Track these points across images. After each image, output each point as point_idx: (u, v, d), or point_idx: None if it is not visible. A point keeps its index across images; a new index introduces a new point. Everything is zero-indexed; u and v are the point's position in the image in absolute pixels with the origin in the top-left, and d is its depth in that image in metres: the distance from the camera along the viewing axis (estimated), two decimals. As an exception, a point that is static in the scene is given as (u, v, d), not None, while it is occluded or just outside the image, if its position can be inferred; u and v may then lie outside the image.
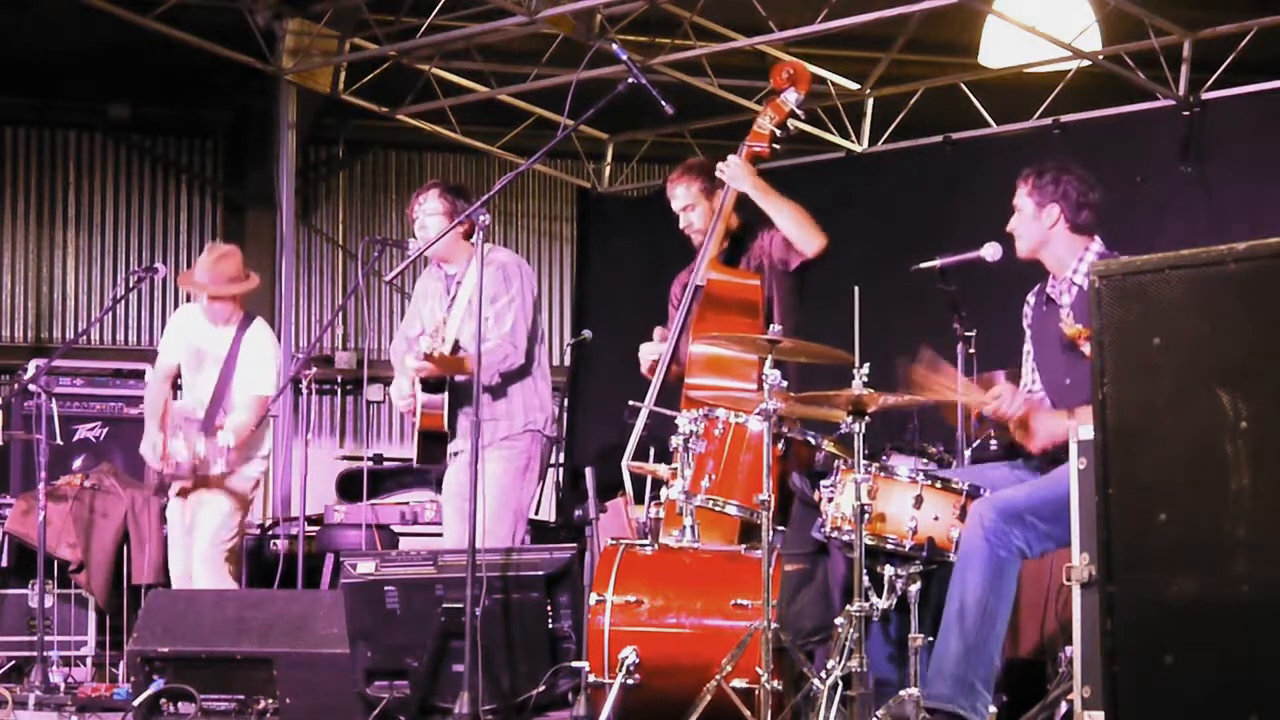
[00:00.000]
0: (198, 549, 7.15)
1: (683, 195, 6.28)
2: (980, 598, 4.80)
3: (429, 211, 6.57)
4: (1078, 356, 4.98)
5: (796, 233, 6.02)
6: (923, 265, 5.63)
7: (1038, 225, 5.24)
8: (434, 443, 6.51)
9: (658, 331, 6.31)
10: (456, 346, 6.33)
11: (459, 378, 6.41)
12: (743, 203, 6.16)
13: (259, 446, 7.35)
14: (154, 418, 7.32)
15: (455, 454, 6.50)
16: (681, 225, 6.30)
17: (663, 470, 5.66)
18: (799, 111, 6.23)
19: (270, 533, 8.77)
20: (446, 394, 6.42)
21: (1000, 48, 10.42)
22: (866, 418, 4.95)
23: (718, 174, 6.16)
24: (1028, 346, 5.40)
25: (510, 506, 6.42)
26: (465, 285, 6.42)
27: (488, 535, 5.84)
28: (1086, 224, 5.24)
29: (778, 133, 6.18)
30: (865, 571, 4.89)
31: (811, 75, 6.41)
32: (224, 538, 7.19)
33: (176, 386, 7.57)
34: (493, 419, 6.37)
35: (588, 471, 6.08)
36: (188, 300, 7.52)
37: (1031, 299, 5.39)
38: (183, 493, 7.28)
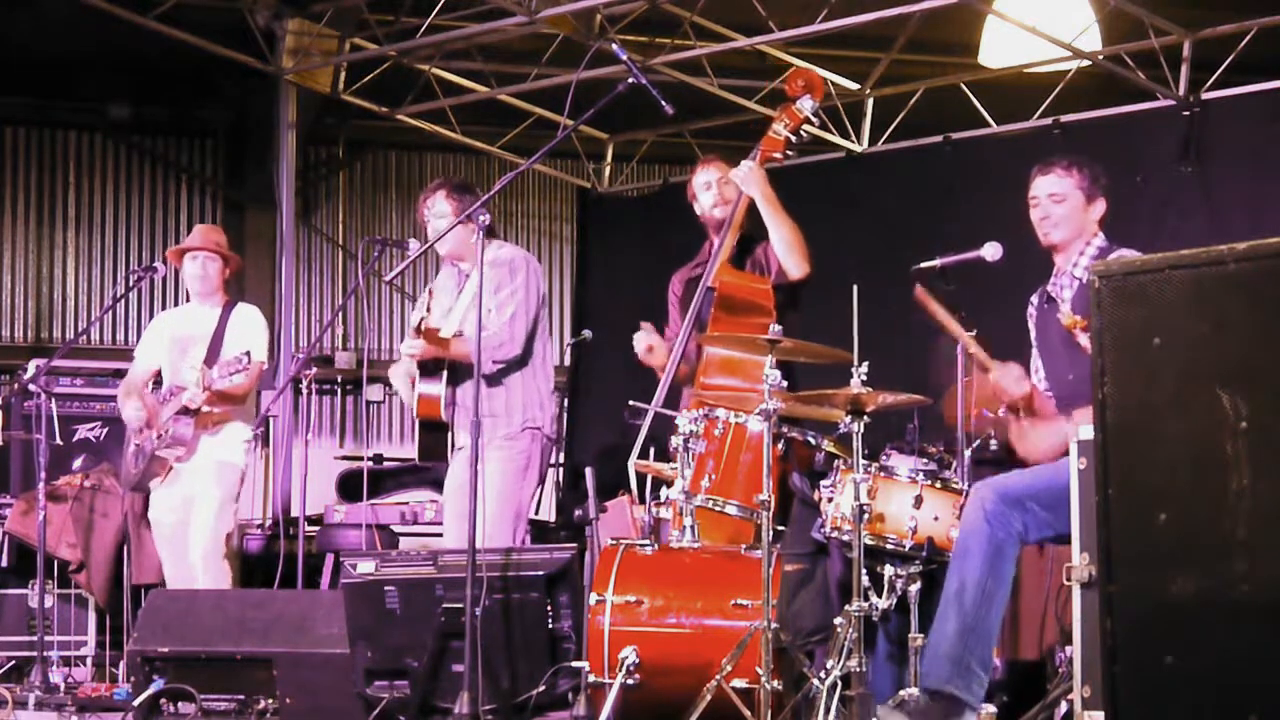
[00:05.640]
0: (197, 547, 7.12)
1: (713, 173, 6.31)
2: (979, 579, 4.81)
3: (438, 214, 6.62)
4: (1080, 353, 4.98)
5: (785, 254, 6.07)
6: (923, 265, 5.63)
7: (1084, 217, 5.26)
8: (434, 434, 6.53)
9: (644, 325, 6.32)
10: (459, 335, 6.40)
11: (458, 362, 6.45)
12: (751, 209, 6.18)
13: (246, 416, 7.29)
14: (130, 395, 7.31)
15: (458, 449, 6.52)
16: (701, 203, 6.32)
17: (669, 470, 5.67)
18: (813, 118, 6.31)
19: (270, 533, 8.77)
20: (444, 381, 6.45)
21: (1000, 48, 10.42)
22: (866, 417, 4.96)
23: (732, 177, 6.21)
24: (1034, 349, 5.41)
25: (511, 507, 6.43)
26: (473, 279, 6.47)
27: (488, 536, 5.85)
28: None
29: (792, 139, 6.28)
30: (865, 571, 4.89)
31: (825, 82, 6.47)
32: (222, 532, 7.16)
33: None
34: (491, 415, 6.38)
35: (588, 471, 6.09)
36: (177, 304, 7.54)
37: (1034, 299, 5.41)
38: (170, 469, 7.21)
